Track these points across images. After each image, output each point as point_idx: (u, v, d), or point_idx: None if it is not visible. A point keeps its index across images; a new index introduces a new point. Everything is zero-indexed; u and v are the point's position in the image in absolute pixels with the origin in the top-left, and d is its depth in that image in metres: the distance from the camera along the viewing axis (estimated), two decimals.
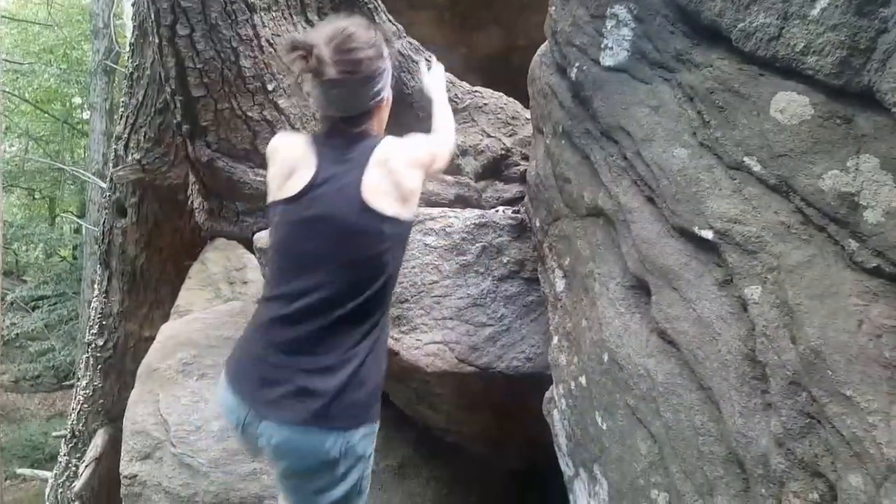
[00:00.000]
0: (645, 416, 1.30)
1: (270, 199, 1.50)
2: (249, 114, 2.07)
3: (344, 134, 1.49)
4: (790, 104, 1.18)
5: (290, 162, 1.49)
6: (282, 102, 2.10)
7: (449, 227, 2.04)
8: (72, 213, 13.23)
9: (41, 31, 12.46)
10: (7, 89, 10.98)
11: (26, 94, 12.22)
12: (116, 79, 9.68)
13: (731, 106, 1.28)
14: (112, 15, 9.38)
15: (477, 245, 2.04)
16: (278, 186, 1.49)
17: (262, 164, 2.18)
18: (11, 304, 11.17)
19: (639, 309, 1.40)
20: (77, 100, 13.44)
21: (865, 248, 1.05)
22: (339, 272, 1.43)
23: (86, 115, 12.42)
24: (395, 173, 1.45)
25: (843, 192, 1.09)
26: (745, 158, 1.24)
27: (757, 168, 1.22)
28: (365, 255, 1.45)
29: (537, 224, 1.84)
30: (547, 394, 1.73)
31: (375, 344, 1.47)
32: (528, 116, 2.40)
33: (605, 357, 1.43)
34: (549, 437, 1.74)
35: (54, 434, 6.88)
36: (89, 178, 9.18)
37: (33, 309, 11.44)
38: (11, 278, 12.53)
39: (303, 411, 1.39)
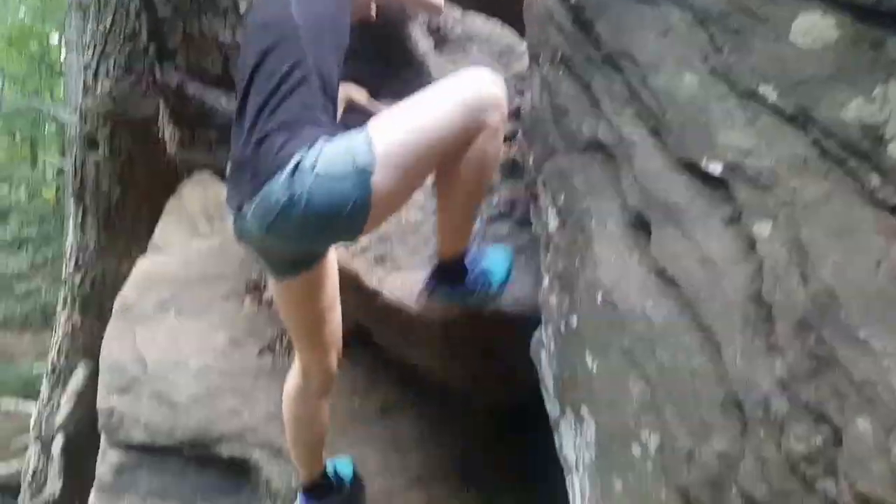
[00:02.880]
0: (639, 357, 1.24)
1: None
2: (220, 37, 1.93)
3: None
4: (813, 27, 1.09)
5: None
6: None
7: None
8: (53, 153, 12.94)
9: None
10: None
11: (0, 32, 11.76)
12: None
13: (746, 29, 1.18)
14: None
15: None
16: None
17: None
18: None
19: (638, 248, 1.32)
20: (54, 38, 12.95)
21: (889, 185, 0.97)
22: (251, 45, 1.55)
23: (64, 55, 11.98)
24: None
25: (867, 123, 1.00)
26: (761, 86, 1.15)
27: (773, 97, 1.13)
28: (272, 12, 1.55)
29: (531, 161, 1.75)
30: (535, 335, 1.67)
31: (290, 96, 1.44)
32: (524, 48, 2.28)
33: (599, 297, 1.36)
34: (534, 379, 1.69)
35: (35, 371, 6.90)
36: (68, 117, 8.91)
37: (18, 249, 11.30)
38: None
39: (246, 181, 1.43)
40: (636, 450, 1.23)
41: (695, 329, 1.16)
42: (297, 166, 1.35)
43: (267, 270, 1.69)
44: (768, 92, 1.13)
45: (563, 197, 1.57)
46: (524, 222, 1.92)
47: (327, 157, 1.37)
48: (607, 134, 1.42)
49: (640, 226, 1.34)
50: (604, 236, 1.39)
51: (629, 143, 1.36)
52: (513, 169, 1.98)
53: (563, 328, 1.49)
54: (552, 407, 1.56)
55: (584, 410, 1.38)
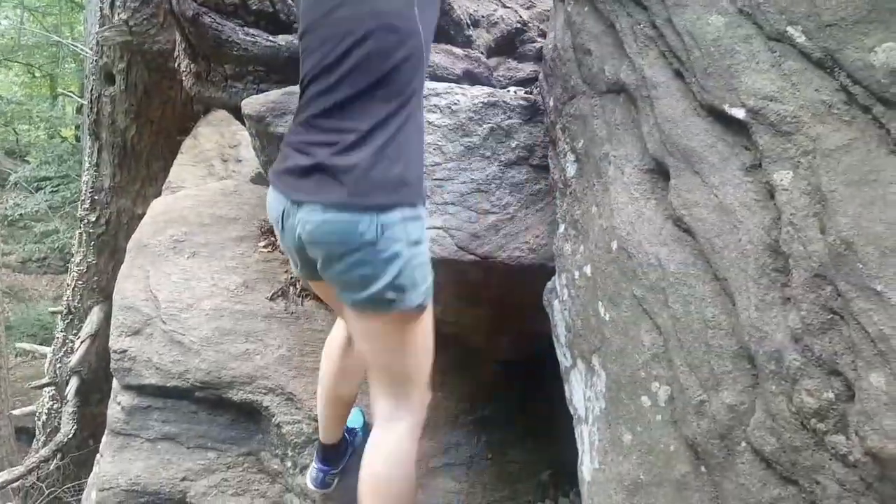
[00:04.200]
0: (652, 306, 1.22)
1: None
2: None
3: None
4: None
5: None
6: None
7: (455, 104, 1.89)
8: (73, 92, 12.85)
9: None
10: None
11: None
12: None
13: None
14: None
15: (484, 126, 1.89)
16: None
17: (253, 22, 2.02)
18: (15, 184, 11.02)
19: (655, 195, 1.29)
20: None
21: None
22: (366, 34, 1.35)
23: None
24: None
25: None
26: (789, 28, 1.09)
27: (801, 39, 1.08)
28: (394, 7, 1.38)
29: (551, 103, 1.70)
30: (549, 284, 1.65)
31: (408, 122, 1.40)
32: None
33: (614, 245, 1.33)
34: (546, 329, 1.68)
35: (50, 310, 6.97)
36: (87, 53, 8.80)
37: (36, 190, 11.29)
38: (14, 158, 12.34)
39: (334, 190, 1.33)
40: (646, 401, 1.23)
41: (709, 279, 1.14)
42: (400, 220, 1.34)
43: (295, 268, 1.61)
44: (796, 34, 1.08)
45: (581, 142, 1.53)
46: (542, 168, 1.88)
47: (414, 261, 1.40)
48: (630, 75, 1.37)
49: (659, 172, 1.30)
50: (621, 183, 1.35)
51: (652, 85, 1.31)
52: (532, 112, 1.93)
53: (576, 277, 1.48)
54: (563, 357, 1.55)
55: (595, 361, 1.37)
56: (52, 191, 11.13)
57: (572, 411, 1.53)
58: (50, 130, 13.20)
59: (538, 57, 2.07)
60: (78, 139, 12.71)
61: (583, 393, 1.43)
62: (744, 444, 1.06)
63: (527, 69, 2.13)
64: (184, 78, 2.16)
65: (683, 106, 1.25)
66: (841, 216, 0.97)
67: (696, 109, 1.23)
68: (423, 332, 1.52)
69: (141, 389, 2.33)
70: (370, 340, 1.52)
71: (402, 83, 1.38)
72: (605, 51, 1.46)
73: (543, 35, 2.12)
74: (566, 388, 1.54)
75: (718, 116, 1.18)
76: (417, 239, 1.40)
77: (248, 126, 1.88)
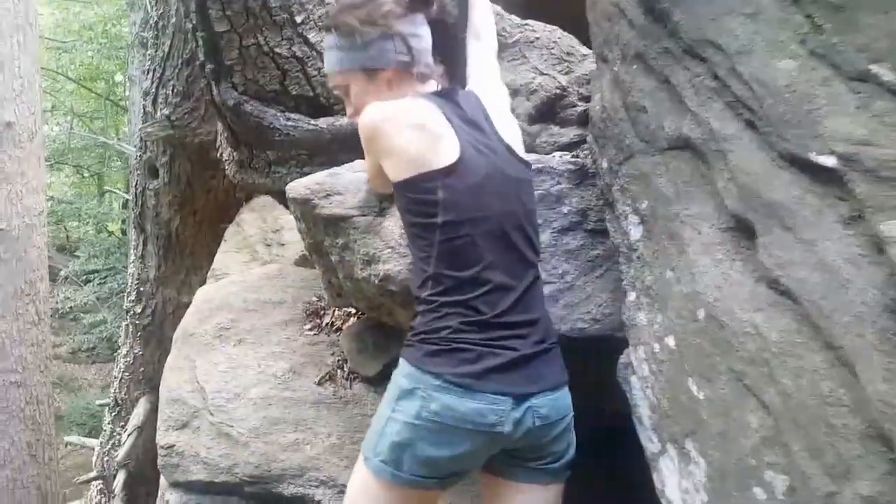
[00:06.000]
0: (755, 382, 1.08)
1: (417, 172, 1.41)
2: (277, 50, 1.87)
3: (445, 90, 1.54)
4: None
5: (424, 128, 1.42)
6: (312, 36, 1.89)
7: None
8: (119, 188, 13.42)
9: (81, 10, 12.51)
10: (51, 68, 11.07)
11: (69, 72, 12.32)
12: None
13: (850, 4, 1.05)
14: None
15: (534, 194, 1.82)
16: (424, 158, 1.41)
17: (293, 107, 2.02)
18: (65, 278, 11.38)
19: (739, 255, 1.18)
20: (118, 76, 13.53)
21: None
22: (525, 227, 1.47)
23: (128, 92, 12.48)
24: (512, 122, 1.59)
25: None
26: (872, 66, 1.01)
27: (889, 77, 1.00)
28: (530, 205, 1.54)
29: (605, 165, 1.61)
30: (623, 358, 1.51)
31: None
32: (584, 52, 2.16)
33: (701, 313, 1.21)
34: (619, 407, 1.54)
35: (97, 402, 6.99)
36: (132, 151, 9.18)
37: (85, 283, 11.64)
38: (64, 254, 12.81)
39: (558, 370, 1.46)
40: (759, 493, 1.08)
41: (821, 347, 1.00)
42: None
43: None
44: (882, 71, 1.00)
45: (645, 202, 1.43)
46: (598, 232, 1.78)
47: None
48: (694, 130, 1.28)
49: (740, 230, 1.19)
50: (699, 244, 1.24)
51: (722, 138, 1.22)
52: (582, 176, 1.84)
53: (657, 350, 1.35)
54: (649, 442, 1.39)
55: (691, 446, 1.22)
56: (100, 283, 11.47)
57: None
58: (98, 226, 13.72)
59: (580, 121, 2.01)
60: (124, 233, 13.16)
61: (677, 483, 1.27)
62: None
63: (570, 134, 2.07)
64: (226, 166, 2.16)
65: (761, 157, 1.15)
66: None
67: (776, 160, 1.13)
68: None
69: (189, 486, 2.23)
70: None
71: (538, 266, 1.51)
72: (662, 106, 1.39)
73: (584, 99, 2.07)
74: (655, 477, 1.37)
75: (804, 166, 1.09)
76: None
77: (293, 209, 1.84)
